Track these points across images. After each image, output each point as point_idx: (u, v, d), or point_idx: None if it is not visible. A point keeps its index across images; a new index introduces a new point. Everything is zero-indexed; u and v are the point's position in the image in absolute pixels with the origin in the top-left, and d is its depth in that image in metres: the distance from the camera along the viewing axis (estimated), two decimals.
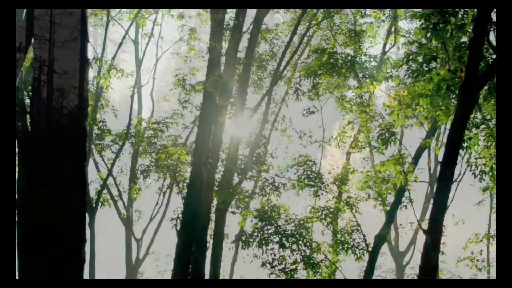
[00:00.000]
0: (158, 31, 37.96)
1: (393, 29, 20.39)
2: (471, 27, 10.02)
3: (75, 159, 3.93)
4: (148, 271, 29.56)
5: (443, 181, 8.56)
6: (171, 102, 26.68)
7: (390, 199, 16.56)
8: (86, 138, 4.09)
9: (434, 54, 11.33)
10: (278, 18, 37.03)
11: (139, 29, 25.35)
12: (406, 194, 15.55)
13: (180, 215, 14.45)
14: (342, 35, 20.00)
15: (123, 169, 23.77)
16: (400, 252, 26.99)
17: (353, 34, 19.46)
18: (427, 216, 23.59)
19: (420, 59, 11.98)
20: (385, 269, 30.56)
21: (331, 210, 15.87)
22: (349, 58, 16.86)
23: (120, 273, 27.21)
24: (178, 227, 14.17)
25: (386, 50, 21.03)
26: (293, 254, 14.86)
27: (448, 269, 25.93)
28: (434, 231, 8.49)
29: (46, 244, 3.82)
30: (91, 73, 22.59)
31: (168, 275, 29.29)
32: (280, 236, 14.73)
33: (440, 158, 9.58)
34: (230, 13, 18.20)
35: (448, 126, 12.34)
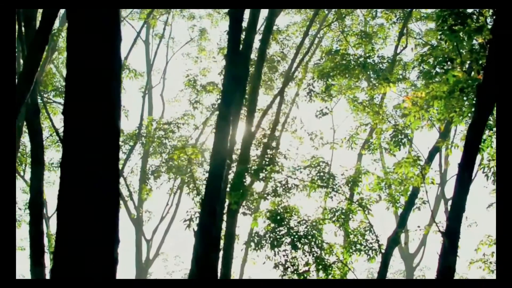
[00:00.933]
0: (169, 32, 38.16)
1: (404, 30, 20.31)
2: (486, 29, 9.98)
3: (109, 158, 3.94)
4: (156, 272, 29.58)
5: (461, 183, 8.49)
6: (181, 102, 26.75)
7: (401, 200, 16.51)
8: (119, 137, 4.12)
9: (446, 56, 11.27)
10: (287, 19, 37.01)
11: (150, 30, 25.42)
12: (418, 195, 15.47)
13: (193, 216, 14.44)
14: (353, 36, 19.94)
15: (133, 169, 23.85)
16: (410, 254, 26.96)
17: (363, 36, 19.42)
18: (437, 218, 23.61)
19: (431, 61, 11.93)
20: (394, 270, 30.50)
21: (343, 211, 15.80)
22: (362, 59, 16.81)
23: (129, 274, 27.24)
24: (191, 228, 14.15)
25: (398, 52, 20.94)
26: (305, 256, 14.79)
27: (457, 270, 25.84)
28: (452, 233, 8.44)
29: (78, 244, 3.84)
30: None
31: (176, 276, 29.29)
32: (292, 237, 14.68)
33: (451, 160, 9.60)
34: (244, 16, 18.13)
35: (461, 128, 12.26)
